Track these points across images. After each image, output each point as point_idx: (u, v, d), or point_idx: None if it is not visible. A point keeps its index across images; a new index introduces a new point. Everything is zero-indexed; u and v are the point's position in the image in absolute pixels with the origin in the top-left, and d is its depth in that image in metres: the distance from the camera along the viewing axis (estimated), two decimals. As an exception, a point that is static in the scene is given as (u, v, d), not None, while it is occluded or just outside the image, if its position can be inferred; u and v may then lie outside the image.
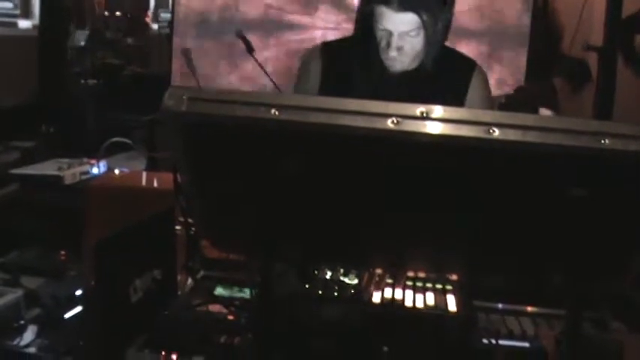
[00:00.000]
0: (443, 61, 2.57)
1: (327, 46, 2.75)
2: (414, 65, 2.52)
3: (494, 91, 5.58)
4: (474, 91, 2.63)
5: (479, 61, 2.74)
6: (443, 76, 2.57)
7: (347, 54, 2.64)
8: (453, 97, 2.55)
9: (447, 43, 2.58)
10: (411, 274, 1.84)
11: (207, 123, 1.25)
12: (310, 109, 1.19)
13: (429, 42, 2.45)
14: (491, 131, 1.15)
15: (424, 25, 2.38)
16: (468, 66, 2.68)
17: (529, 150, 1.16)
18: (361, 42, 2.53)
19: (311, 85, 2.68)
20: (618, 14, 5.08)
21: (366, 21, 2.48)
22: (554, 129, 1.16)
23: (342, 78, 2.60)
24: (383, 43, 2.44)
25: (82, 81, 7.04)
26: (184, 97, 1.23)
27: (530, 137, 1.15)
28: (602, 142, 1.14)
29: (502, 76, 5.74)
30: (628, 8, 5.21)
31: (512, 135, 1.15)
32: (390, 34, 2.41)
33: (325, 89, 2.65)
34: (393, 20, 2.38)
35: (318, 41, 2.99)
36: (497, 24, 5.65)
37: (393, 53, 2.44)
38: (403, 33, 2.40)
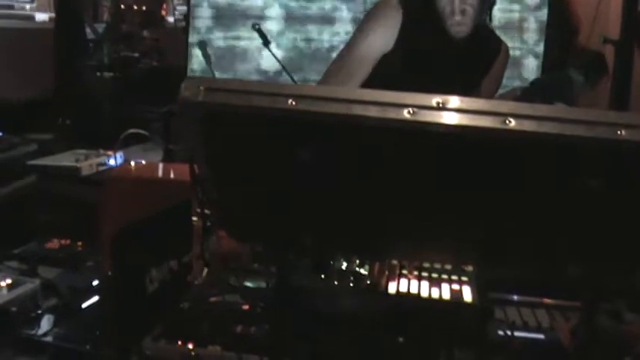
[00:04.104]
0: (483, 32, 2.79)
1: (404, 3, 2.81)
2: (470, 31, 2.68)
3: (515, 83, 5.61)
4: (496, 66, 2.87)
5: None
6: (481, 47, 2.78)
7: (421, 17, 2.73)
8: (482, 68, 2.83)
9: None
10: (426, 265, 1.84)
11: (223, 113, 1.25)
12: (327, 99, 1.19)
13: (482, 4, 2.64)
14: (507, 122, 1.15)
15: None
16: (498, 42, 2.92)
17: (545, 141, 1.16)
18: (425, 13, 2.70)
19: (385, 32, 2.74)
20: (635, 7, 5.06)
21: None
22: (570, 120, 1.16)
23: (416, 38, 2.72)
24: (447, 10, 2.60)
25: (99, 74, 7.06)
26: (201, 87, 1.24)
27: (546, 128, 1.15)
28: (618, 133, 1.14)
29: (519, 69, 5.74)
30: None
31: (528, 126, 1.15)
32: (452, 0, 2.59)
33: (402, 44, 2.73)
34: None
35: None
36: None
37: (457, 17, 2.59)
38: None
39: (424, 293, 1.72)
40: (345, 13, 5.77)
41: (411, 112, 1.17)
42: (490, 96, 2.92)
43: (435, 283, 1.77)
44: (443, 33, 2.65)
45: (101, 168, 3.23)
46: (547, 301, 1.97)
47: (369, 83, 2.64)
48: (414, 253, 1.71)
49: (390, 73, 2.64)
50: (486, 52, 2.85)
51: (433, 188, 1.31)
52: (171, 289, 1.89)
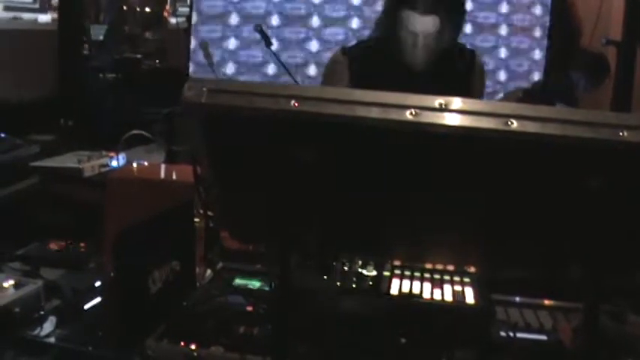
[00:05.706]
0: (453, 56, 2.85)
1: (350, 50, 3.00)
2: (434, 62, 2.75)
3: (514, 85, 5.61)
4: (474, 79, 2.95)
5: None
6: (452, 69, 2.85)
7: (372, 56, 2.88)
8: (459, 88, 2.74)
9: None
10: (428, 266, 1.84)
11: (226, 114, 1.26)
12: (329, 101, 1.19)
13: (447, 40, 2.72)
14: (509, 123, 1.15)
15: (444, 25, 2.65)
16: (470, 56, 2.98)
17: (547, 142, 1.16)
18: (386, 44, 2.80)
19: (335, 84, 2.92)
20: (637, 8, 5.05)
21: (390, 24, 2.74)
22: (572, 121, 1.16)
23: (368, 79, 2.77)
24: (409, 44, 2.69)
25: (101, 75, 7.06)
26: (204, 88, 1.24)
27: (548, 129, 1.15)
28: (620, 134, 1.14)
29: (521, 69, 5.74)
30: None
31: (530, 127, 1.15)
32: (415, 35, 2.66)
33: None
34: (419, 22, 2.64)
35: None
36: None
37: (420, 53, 2.69)
38: (428, 34, 2.65)
39: (426, 294, 1.73)
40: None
41: (414, 113, 1.17)
42: None
43: (438, 284, 1.78)
44: (401, 66, 2.75)
45: (103, 169, 3.23)
46: (549, 302, 1.97)
47: None
48: (416, 254, 1.71)
49: None
50: (456, 71, 2.90)
51: (435, 189, 1.31)
52: (173, 289, 1.89)
